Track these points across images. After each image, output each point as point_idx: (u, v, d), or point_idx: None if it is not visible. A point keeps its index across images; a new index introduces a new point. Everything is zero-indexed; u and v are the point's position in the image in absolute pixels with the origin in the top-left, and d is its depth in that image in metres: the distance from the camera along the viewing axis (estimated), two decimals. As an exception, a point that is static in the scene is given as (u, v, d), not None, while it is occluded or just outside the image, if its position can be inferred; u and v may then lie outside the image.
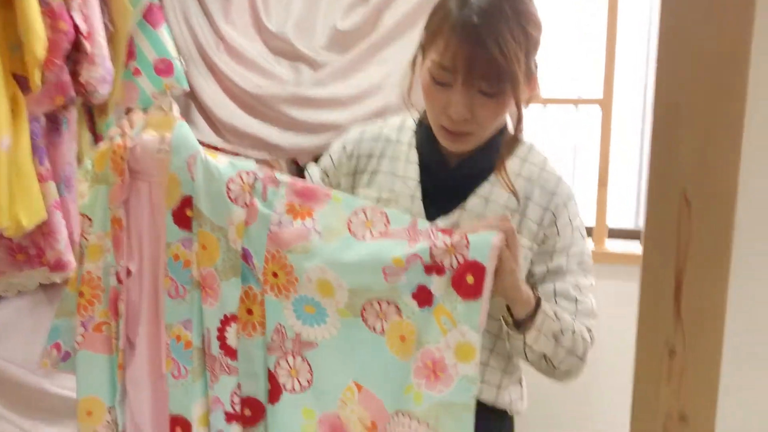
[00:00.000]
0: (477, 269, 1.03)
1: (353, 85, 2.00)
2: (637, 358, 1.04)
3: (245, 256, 1.12)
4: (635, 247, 2.41)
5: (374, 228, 1.10)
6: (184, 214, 1.14)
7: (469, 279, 1.03)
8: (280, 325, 1.12)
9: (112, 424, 1.20)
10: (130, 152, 1.16)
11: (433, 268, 1.05)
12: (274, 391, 1.13)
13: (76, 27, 1.41)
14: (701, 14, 0.90)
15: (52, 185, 1.49)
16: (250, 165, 1.14)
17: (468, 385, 1.03)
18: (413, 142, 1.29)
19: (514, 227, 1.06)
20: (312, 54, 2.06)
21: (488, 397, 1.24)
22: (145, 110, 1.23)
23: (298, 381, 1.12)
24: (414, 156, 1.28)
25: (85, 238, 1.20)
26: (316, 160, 1.47)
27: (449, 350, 1.04)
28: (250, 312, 1.13)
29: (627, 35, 2.35)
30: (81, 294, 1.19)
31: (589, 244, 2.03)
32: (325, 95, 2.00)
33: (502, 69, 1.10)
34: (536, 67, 1.19)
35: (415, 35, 1.92)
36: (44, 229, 1.47)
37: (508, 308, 1.14)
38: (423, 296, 1.06)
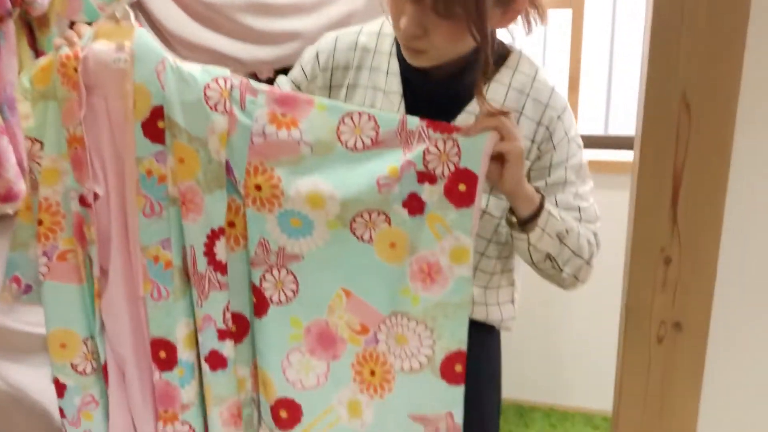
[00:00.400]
0: (469, 178, 1.02)
1: (315, -11, 1.87)
2: (632, 266, 1.01)
3: (227, 167, 1.06)
4: (606, 155, 2.38)
5: (364, 134, 1.05)
6: (155, 126, 1.05)
7: (461, 187, 1.03)
8: (264, 239, 1.08)
9: (89, 355, 1.15)
10: (81, 62, 1.05)
11: (426, 176, 1.03)
12: (261, 305, 1.10)
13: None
14: None
15: (-8, 106, 1.37)
16: (225, 71, 1.06)
17: (464, 285, 1.05)
18: (394, 50, 1.18)
19: (510, 124, 1.01)
20: (268, -43, 1.91)
21: (478, 316, 1.21)
22: (90, 24, 1.10)
23: (284, 293, 1.10)
24: (395, 66, 1.17)
25: (37, 163, 1.09)
26: (277, 73, 1.37)
27: (444, 254, 1.05)
28: (231, 225, 1.09)
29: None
30: (40, 222, 1.10)
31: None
32: (285, 1, 1.87)
33: None
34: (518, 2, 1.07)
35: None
36: (-11, 159, 1.36)
37: (511, 211, 1.11)
38: (414, 204, 1.05)
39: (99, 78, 1.06)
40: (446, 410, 1.09)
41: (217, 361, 1.12)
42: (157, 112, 1.05)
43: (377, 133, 1.04)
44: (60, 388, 1.15)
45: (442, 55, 1.07)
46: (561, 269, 1.17)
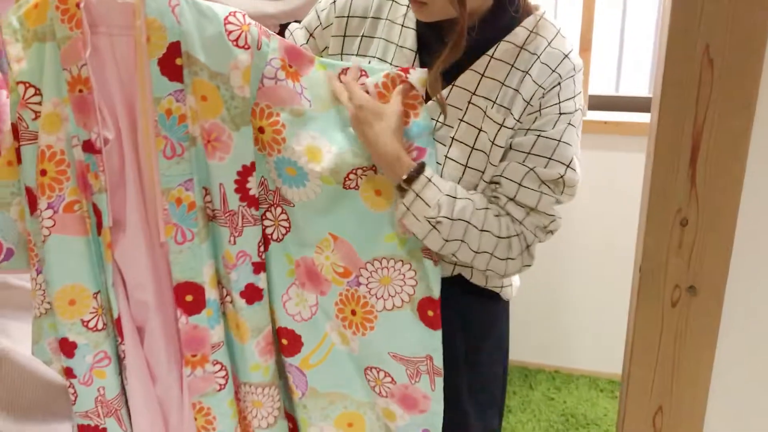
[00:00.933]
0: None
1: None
2: (647, 226, 0.98)
3: None
4: (617, 116, 2.34)
5: None
6: (172, 63, 1.02)
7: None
8: (264, 178, 1.11)
9: (99, 310, 1.12)
10: None
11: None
12: (265, 241, 1.14)
13: None
14: None
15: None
16: (235, 8, 1.03)
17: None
18: (407, 20, 1.14)
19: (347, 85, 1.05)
20: None
21: (477, 281, 1.19)
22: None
23: (279, 230, 1.14)
24: (412, 20, 1.13)
25: (30, 110, 1.04)
26: (283, 28, 1.33)
27: None
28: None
29: None
30: (43, 172, 1.05)
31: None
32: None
33: None
34: None
35: None
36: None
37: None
38: None
39: (103, 14, 1.01)
40: (426, 353, 1.13)
41: (254, 293, 1.14)
42: (174, 48, 1.02)
43: (367, 92, 1.05)
44: (70, 347, 1.13)
45: (440, 8, 1.04)
46: (442, 258, 1.12)
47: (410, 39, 1.13)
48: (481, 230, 1.06)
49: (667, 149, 0.97)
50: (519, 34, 1.10)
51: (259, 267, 1.12)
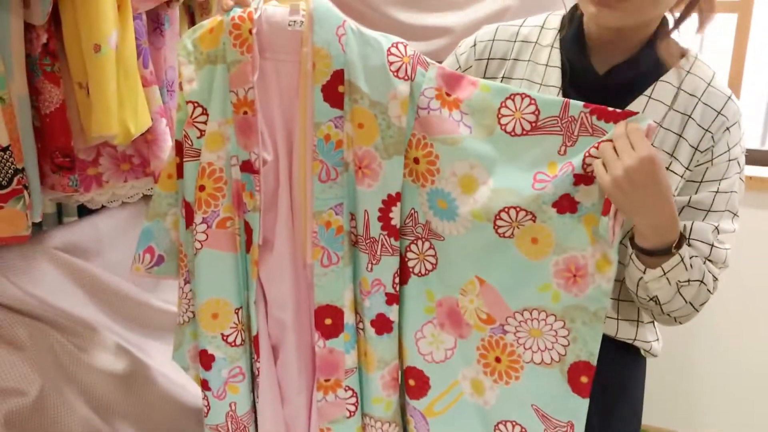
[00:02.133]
0: None
1: (469, -16, 1.81)
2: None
3: None
4: (761, 171, 2.21)
5: (523, 118, 1.03)
6: (335, 91, 1.05)
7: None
8: (414, 210, 1.10)
9: (240, 326, 1.14)
10: (255, 23, 1.04)
11: (582, 178, 1.00)
12: (404, 273, 1.13)
13: None
14: None
15: (156, 90, 1.40)
16: (399, 38, 1.06)
17: (600, 296, 1.02)
18: (557, 43, 1.13)
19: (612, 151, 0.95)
20: (422, -49, 1.88)
21: (625, 335, 1.14)
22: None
23: (424, 264, 1.12)
24: (556, 58, 1.12)
25: (196, 128, 1.09)
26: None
27: (593, 259, 1.02)
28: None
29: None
30: (201, 188, 1.10)
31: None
32: (437, -4, 1.83)
33: None
34: None
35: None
36: (149, 137, 1.40)
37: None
38: (564, 204, 1.02)
39: (272, 41, 1.06)
40: (568, 419, 1.07)
41: (383, 324, 1.12)
42: (338, 76, 1.05)
43: (537, 117, 1.02)
44: (208, 360, 1.15)
45: (644, 6, 0.99)
46: (662, 312, 1.07)
47: (554, 77, 1.11)
48: (705, 286, 1.06)
49: None
50: (674, 73, 1.06)
51: (393, 299, 1.11)
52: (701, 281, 1.03)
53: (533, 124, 1.02)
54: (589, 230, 1.02)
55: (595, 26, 1.08)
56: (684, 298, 1.04)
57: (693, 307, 1.06)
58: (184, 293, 1.17)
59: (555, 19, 1.16)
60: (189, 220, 1.12)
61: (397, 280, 1.11)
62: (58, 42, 1.24)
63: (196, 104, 1.08)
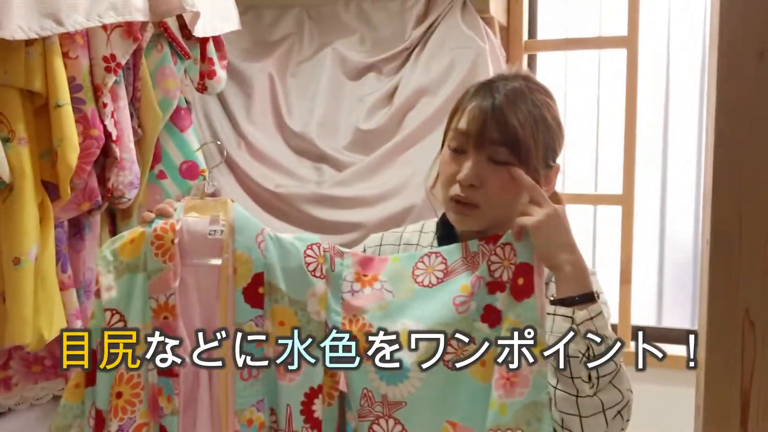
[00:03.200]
0: (525, 270, 1.08)
1: (377, 185, 1.98)
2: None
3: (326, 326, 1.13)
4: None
5: (435, 270, 1.14)
6: (255, 292, 1.12)
7: (520, 281, 1.08)
8: (366, 389, 1.12)
9: None
10: (177, 236, 1.12)
11: (496, 285, 1.09)
12: None
13: (106, 132, 1.40)
14: (759, 125, 0.89)
15: (73, 293, 1.45)
16: (315, 237, 1.16)
17: (542, 380, 1.05)
18: (435, 243, 1.28)
19: (534, 196, 1.09)
20: (335, 154, 2.06)
21: None
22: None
23: None
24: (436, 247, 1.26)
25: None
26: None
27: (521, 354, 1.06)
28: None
29: (644, 129, 2.36)
30: (119, 395, 1.10)
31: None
32: (349, 194, 1.99)
33: (514, 137, 1.12)
34: (554, 169, 1.21)
35: (438, 136, 1.94)
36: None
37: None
38: (491, 316, 1.09)
39: (193, 249, 1.13)
40: None
41: None
42: (258, 279, 1.12)
43: (446, 266, 1.13)
44: None
45: (492, 213, 1.16)
46: (596, 385, 1.06)
47: None
48: (621, 371, 1.09)
49: (718, 408, 0.98)
50: None
51: None
52: (619, 365, 1.06)
53: (444, 272, 1.12)
54: (506, 333, 1.07)
55: (459, 229, 1.23)
56: (615, 363, 1.05)
57: (621, 395, 1.06)
58: None
59: (431, 224, 1.33)
60: (99, 429, 1.11)
61: None
62: (-24, 255, 1.29)
63: (114, 311, 1.11)
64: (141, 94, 1.54)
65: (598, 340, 1.06)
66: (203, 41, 1.72)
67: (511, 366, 1.05)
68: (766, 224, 0.92)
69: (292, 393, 1.12)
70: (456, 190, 1.16)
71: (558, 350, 1.06)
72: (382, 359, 1.10)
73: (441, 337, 1.09)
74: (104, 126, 1.39)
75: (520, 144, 1.13)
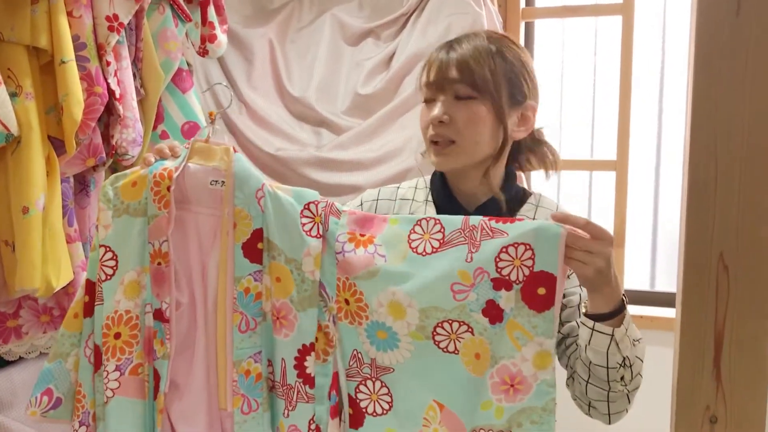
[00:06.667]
0: (548, 280, 1.04)
1: (374, 148, 2.03)
2: (677, 426, 1.02)
3: (321, 286, 1.13)
4: (652, 311, 2.40)
5: (432, 237, 1.11)
6: (255, 247, 1.14)
7: (541, 291, 1.05)
8: (357, 351, 1.14)
9: None
10: (175, 181, 1.13)
11: (502, 283, 1.07)
12: (357, 415, 1.14)
13: (110, 90, 1.44)
14: (734, 79, 0.93)
15: (79, 246, 1.49)
16: (315, 194, 1.15)
17: (547, 389, 1.05)
18: (429, 198, 1.34)
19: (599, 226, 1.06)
20: (334, 118, 2.10)
21: None
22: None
23: (380, 404, 1.13)
24: (431, 210, 1.32)
25: (103, 272, 1.14)
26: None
27: (527, 362, 1.05)
28: (315, 340, 1.14)
29: (639, 96, 2.40)
30: (117, 335, 1.14)
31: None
32: (347, 158, 2.03)
33: (468, 70, 1.22)
34: (529, 107, 1.28)
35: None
36: (69, 290, 1.47)
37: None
38: (493, 313, 1.07)
39: (193, 196, 1.15)
40: None
41: None
42: (257, 235, 1.14)
43: (443, 234, 1.10)
44: None
45: (467, 147, 1.24)
46: (629, 382, 1.14)
47: (431, 211, 1.32)
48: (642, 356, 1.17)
49: (691, 349, 1.02)
50: (528, 207, 1.32)
51: None
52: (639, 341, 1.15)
53: (441, 241, 1.10)
54: (512, 337, 1.06)
55: (442, 170, 1.31)
56: (640, 360, 1.15)
57: (638, 382, 1.16)
58: None
59: (425, 181, 1.38)
60: (98, 363, 1.15)
61: (313, 426, 1.13)
62: (-14, 204, 1.34)
63: (107, 249, 1.14)
64: (143, 54, 1.57)
65: (634, 350, 1.13)
66: (204, 5, 1.75)
67: (512, 371, 1.06)
68: (739, 174, 0.95)
69: (286, 348, 1.14)
70: (431, 132, 1.25)
71: (597, 358, 1.12)
72: (372, 330, 1.12)
73: (435, 321, 1.09)
74: (108, 84, 1.44)
75: (475, 75, 1.22)
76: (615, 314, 1.11)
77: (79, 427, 1.16)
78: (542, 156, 1.35)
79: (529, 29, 2.51)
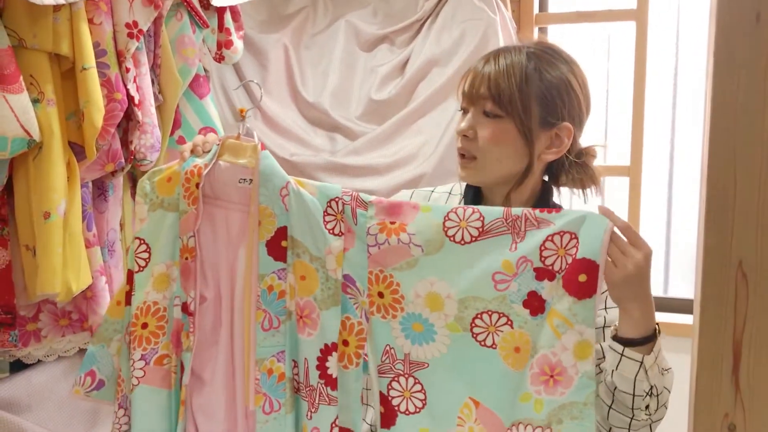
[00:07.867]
0: (590, 267, 1.03)
1: (389, 154, 2.04)
2: (695, 430, 1.02)
3: (345, 283, 1.13)
4: (665, 317, 2.39)
5: (470, 226, 1.08)
6: (279, 245, 1.15)
7: (582, 278, 1.03)
8: (389, 346, 1.12)
9: None
10: (205, 178, 1.15)
11: (545, 273, 1.05)
12: (389, 414, 1.12)
13: (129, 96, 1.46)
14: (753, 87, 0.93)
15: (97, 251, 1.51)
16: (337, 189, 1.14)
17: (588, 381, 1.02)
18: (462, 204, 1.33)
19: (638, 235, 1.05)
20: (348, 123, 2.11)
21: None
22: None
23: (412, 402, 1.11)
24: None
25: (136, 263, 1.18)
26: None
27: (567, 352, 1.03)
28: (345, 343, 1.13)
29: (652, 102, 2.39)
30: (144, 326, 1.17)
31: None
32: (361, 163, 2.04)
33: (496, 88, 1.20)
34: (563, 128, 1.23)
35: (449, 106, 1.98)
36: (88, 294, 1.48)
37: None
38: (535, 304, 1.05)
39: (223, 193, 1.17)
40: None
41: None
42: (281, 233, 1.14)
43: (483, 222, 1.07)
44: None
45: (489, 165, 1.23)
46: (651, 416, 1.11)
47: None
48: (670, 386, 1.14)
49: (710, 356, 1.01)
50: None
51: None
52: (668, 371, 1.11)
53: (480, 230, 1.07)
54: (552, 326, 1.04)
55: (466, 182, 1.30)
56: (668, 391, 1.11)
57: (661, 413, 1.12)
58: (117, 418, 1.21)
59: (459, 187, 1.38)
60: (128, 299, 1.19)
61: (335, 430, 1.11)
62: (9, 208, 1.36)
63: (142, 241, 1.18)
64: (161, 60, 1.59)
65: (663, 379, 1.09)
66: (221, 11, 1.77)
67: (552, 361, 1.03)
68: (758, 182, 0.95)
69: (309, 347, 1.14)
70: (458, 143, 1.25)
71: (620, 382, 1.08)
72: (407, 323, 1.10)
73: (474, 312, 1.07)
74: (127, 90, 1.45)
75: (502, 94, 1.19)
76: (646, 341, 1.07)
77: (118, 409, 1.21)
78: (579, 179, 1.29)
79: (542, 34, 2.51)
